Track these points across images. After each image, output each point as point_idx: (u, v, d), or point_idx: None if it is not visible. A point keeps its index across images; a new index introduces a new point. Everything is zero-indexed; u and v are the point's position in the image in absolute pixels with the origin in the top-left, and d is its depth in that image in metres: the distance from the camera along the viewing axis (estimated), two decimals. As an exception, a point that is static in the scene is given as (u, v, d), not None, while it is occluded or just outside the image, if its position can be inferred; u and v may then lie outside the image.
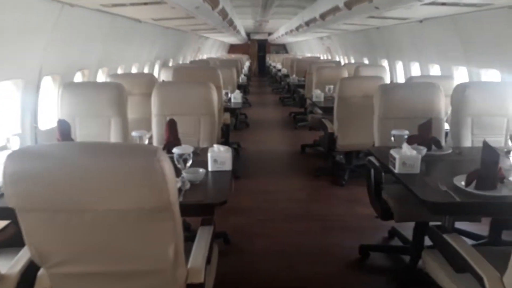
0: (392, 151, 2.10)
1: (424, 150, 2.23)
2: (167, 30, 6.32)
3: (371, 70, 5.53)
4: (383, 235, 3.00)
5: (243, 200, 3.66)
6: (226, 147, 2.11)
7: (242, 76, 7.62)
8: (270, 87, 13.98)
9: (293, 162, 5.00)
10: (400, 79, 6.08)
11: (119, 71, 4.99)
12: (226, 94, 4.88)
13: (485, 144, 1.85)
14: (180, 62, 8.63)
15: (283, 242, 2.91)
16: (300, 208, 3.55)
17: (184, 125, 2.61)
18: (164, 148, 2.24)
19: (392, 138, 2.30)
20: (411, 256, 2.51)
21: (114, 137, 2.86)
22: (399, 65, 6.06)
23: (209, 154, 2.03)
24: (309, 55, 14.96)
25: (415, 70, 5.47)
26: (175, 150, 1.87)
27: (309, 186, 4.11)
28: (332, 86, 4.99)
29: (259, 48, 21.83)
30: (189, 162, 1.86)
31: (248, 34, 19.97)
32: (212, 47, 14.16)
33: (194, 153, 1.95)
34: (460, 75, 4.46)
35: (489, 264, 1.46)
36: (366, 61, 7.60)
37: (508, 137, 2.77)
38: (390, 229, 2.97)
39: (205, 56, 12.37)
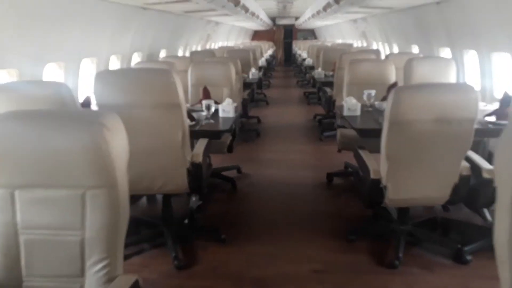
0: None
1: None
2: (151, 12, 4.78)
3: (432, 64, 3.81)
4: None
5: None
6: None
7: (253, 71, 5.98)
8: (295, 78, 12.25)
9: (314, 205, 3.38)
10: (471, 76, 4.29)
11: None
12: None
13: None
14: (180, 53, 7.09)
15: None
16: None
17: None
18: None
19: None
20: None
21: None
22: (469, 56, 4.24)
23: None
24: (339, 41, 13.05)
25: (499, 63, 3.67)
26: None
27: (331, 263, 2.51)
28: (373, 92, 3.31)
29: (285, 34, 19.98)
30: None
31: (273, 19, 18.19)
32: (229, 34, 12.50)
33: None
34: None
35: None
36: (415, 50, 5.78)
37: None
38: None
39: (219, 45, 10.76)
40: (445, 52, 4.74)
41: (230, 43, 12.80)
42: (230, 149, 3.60)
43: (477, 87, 3.90)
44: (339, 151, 3.76)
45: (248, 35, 18.95)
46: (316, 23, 13.81)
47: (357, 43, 10.19)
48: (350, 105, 3.15)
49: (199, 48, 8.39)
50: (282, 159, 4.57)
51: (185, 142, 2.31)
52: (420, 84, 2.87)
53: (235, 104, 3.24)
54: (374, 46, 8.36)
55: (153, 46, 5.36)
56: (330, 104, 5.12)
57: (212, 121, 2.96)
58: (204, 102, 2.96)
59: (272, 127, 6.14)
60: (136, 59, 4.98)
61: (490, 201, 2.34)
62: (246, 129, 5.75)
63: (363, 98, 3.34)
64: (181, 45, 6.97)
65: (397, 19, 6.11)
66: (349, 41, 11.80)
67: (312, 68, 8.24)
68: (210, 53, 6.32)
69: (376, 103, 3.34)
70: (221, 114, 3.16)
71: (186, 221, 3.00)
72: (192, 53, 6.43)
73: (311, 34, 20.08)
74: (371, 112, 3.25)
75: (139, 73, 2.21)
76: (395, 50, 6.85)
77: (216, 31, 9.41)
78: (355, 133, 3.13)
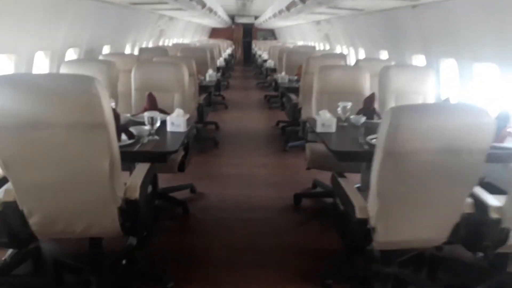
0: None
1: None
2: (88, 2, 4.07)
3: (409, 73, 3.43)
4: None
5: None
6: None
7: (210, 73, 5.39)
8: (255, 79, 11.75)
9: (280, 236, 2.88)
10: (448, 87, 3.97)
11: None
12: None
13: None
14: (128, 50, 6.34)
15: None
16: None
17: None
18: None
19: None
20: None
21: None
22: (447, 65, 3.92)
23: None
24: (301, 43, 12.72)
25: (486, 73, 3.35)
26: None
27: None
28: (349, 105, 2.86)
29: (244, 33, 19.48)
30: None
31: (232, 17, 17.62)
32: (184, 31, 11.77)
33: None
34: None
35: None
36: (383, 56, 5.46)
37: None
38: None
39: (174, 41, 10.02)
40: (419, 60, 4.41)
41: (186, 40, 12.05)
42: (181, 167, 3.02)
43: (456, 100, 3.60)
44: (308, 168, 3.28)
45: (206, 32, 18.23)
46: (277, 23, 13.41)
47: (319, 46, 9.86)
48: (324, 120, 2.67)
49: (150, 45, 7.65)
50: (242, 174, 4.03)
51: (114, 173, 1.70)
52: (423, 105, 2.47)
53: (187, 116, 2.67)
54: (338, 50, 8.04)
55: (94, 41, 4.63)
56: (296, 112, 4.66)
57: (157, 137, 2.37)
58: (147, 115, 2.36)
59: (231, 134, 5.59)
60: (72, 56, 4.25)
61: (496, 244, 1.94)
62: (202, 137, 5.16)
63: (337, 110, 2.89)
64: (129, 41, 6.23)
65: (365, 22, 5.77)
66: (310, 43, 11.49)
67: (273, 70, 7.77)
68: (162, 50, 5.66)
69: (351, 117, 2.90)
70: (169, 128, 2.57)
71: (123, 262, 2.40)
72: (141, 50, 5.73)
73: (271, 34, 19.72)
74: (346, 128, 2.80)
75: (48, 81, 1.57)
76: (361, 55, 6.52)
77: (170, 26, 8.68)
78: (326, 149, 2.67)
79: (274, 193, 3.57)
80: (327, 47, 9.13)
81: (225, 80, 10.39)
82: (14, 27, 2.97)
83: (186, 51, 5.91)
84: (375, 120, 2.94)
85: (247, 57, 18.61)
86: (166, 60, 3.82)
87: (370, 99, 3.05)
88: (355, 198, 1.94)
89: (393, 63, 4.46)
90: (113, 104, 2.72)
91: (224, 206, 3.28)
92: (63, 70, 3.25)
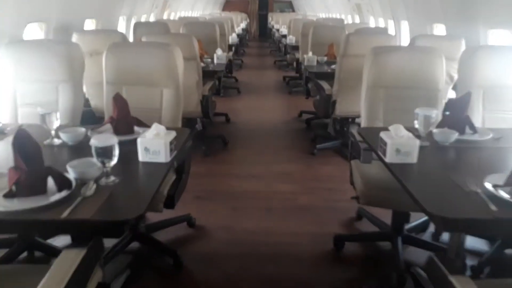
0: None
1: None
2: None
3: (505, 56, 2.32)
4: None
5: None
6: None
7: (219, 54, 4.28)
8: (271, 57, 10.58)
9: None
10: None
11: None
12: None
13: None
14: (122, 25, 5.25)
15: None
16: None
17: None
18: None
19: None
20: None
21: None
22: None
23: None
24: (322, 15, 11.40)
25: None
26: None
27: None
28: (433, 114, 1.79)
29: (260, 5, 18.05)
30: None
31: (246, -13, 16.25)
32: (195, 2, 10.53)
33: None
34: None
35: None
36: (438, 31, 4.27)
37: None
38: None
39: (183, 15, 8.85)
40: (500, 38, 3.25)
41: (195, 14, 10.84)
42: (170, 203, 2.04)
43: None
44: (358, 201, 2.23)
45: (219, 4, 16.89)
46: (296, -7, 12.06)
47: (347, 19, 8.56)
48: (400, 143, 1.60)
49: (152, 19, 6.54)
50: (259, 193, 3.03)
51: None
52: None
53: (171, 134, 1.64)
54: (371, 24, 6.81)
55: (69, 14, 3.57)
56: (329, 107, 3.59)
57: (113, 179, 1.37)
58: (95, 143, 1.35)
59: (244, 130, 4.56)
60: (36, 33, 3.22)
61: None
62: (208, 135, 4.15)
63: (414, 122, 1.82)
64: (122, 14, 5.13)
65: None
66: (334, 16, 10.18)
67: (295, 48, 6.61)
68: (162, 26, 4.59)
69: (434, 131, 1.83)
70: (143, 157, 1.57)
71: None
72: (135, 25, 4.65)
73: (288, 6, 18.27)
74: (429, 151, 1.75)
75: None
76: (404, 29, 5.32)
77: (176, -4, 7.51)
78: (384, 175, 1.64)
79: (303, 226, 2.56)
80: (357, 20, 7.88)
81: (239, 59, 9.27)
82: None
83: (190, 26, 4.80)
84: (470, 136, 1.88)
85: (263, 31, 17.29)
86: (151, 42, 2.74)
87: (461, 102, 1.96)
88: None
89: (462, 39, 3.31)
90: (40, 110, 1.73)
91: (233, 252, 2.29)
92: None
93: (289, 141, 4.17)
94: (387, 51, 2.49)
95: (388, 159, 1.62)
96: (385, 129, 1.73)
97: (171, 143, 1.61)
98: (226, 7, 17.81)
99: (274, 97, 6.22)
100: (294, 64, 6.63)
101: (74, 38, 3.21)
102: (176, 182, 2.16)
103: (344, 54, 3.38)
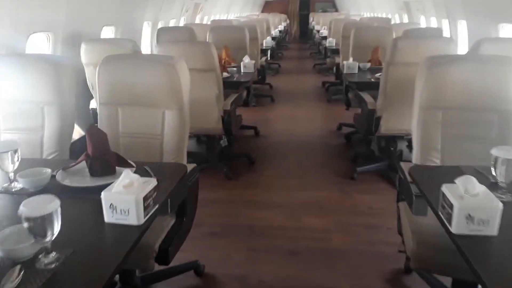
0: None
1: None
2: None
3: None
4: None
5: None
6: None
7: (246, 62, 3.84)
8: (311, 60, 10.01)
9: None
10: None
11: None
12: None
13: None
14: (147, 31, 4.95)
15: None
16: None
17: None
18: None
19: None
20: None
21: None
22: None
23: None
24: (367, 15, 10.67)
25: None
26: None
27: None
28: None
29: (301, 5, 17.47)
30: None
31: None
32: (231, 4, 10.17)
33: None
34: None
35: None
36: (506, 33, 3.58)
37: None
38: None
39: (216, 18, 8.52)
40: None
41: (232, 16, 10.48)
42: (164, 257, 1.63)
43: None
44: (408, 266, 1.70)
45: (258, 5, 16.48)
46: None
47: (394, 18, 7.85)
48: (471, 207, 1.08)
49: (182, 24, 6.22)
50: (284, 228, 2.55)
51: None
52: None
53: (149, 185, 1.22)
54: (422, 24, 6.11)
55: (82, 22, 3.27)
56: (372, 124, 3.04)
57: (59, 257, 0.98)
58: (24, 211, 0.94)
59: (275, 144, 4.09)
60: (41, 43, 2.94)
61: None
62: (233, 154, 3.73)
63: (483, 153, 1.29)
64: (147, 19, 4.82)
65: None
66: (379, 15, 9.45)
67: (335, 52, 6.06)
68: (187, 31, 4.23)
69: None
70: (108, 217, 1.17)
71: None
72: (159, 31, 4.32)
73: (331, 6, 17.55)
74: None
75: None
76: (461, 30, 4.63)
77: (208, 0, 7.14)
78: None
79: (334, 278, 2.06)
80: (405, 20, 7.17)
81: (276, 63, 8.80)
82: None
83: (217, 31, 4.40)
84: None
85: (304, 32, 16.71)
86: (150, 55, 2.36)
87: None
88: None
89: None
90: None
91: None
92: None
93: (324, 161, 3.66)
94: (446, 61, 1.93)
95: (454, 229, 1.10)
96: (447, 173, 1.22)
97: (146, 198, 1.19)
98: (266, 8, 17.40)
99: (310, 106, 5.69)
100: (334, 68, 6.08)
101: (82, 48, 2.90)
102: (176, 227, 1.75)
103: (391, 61, 2.82)
